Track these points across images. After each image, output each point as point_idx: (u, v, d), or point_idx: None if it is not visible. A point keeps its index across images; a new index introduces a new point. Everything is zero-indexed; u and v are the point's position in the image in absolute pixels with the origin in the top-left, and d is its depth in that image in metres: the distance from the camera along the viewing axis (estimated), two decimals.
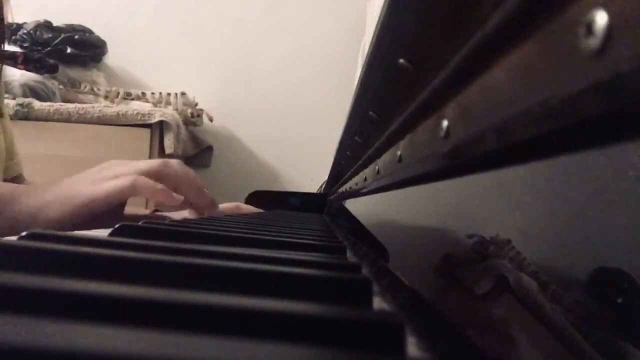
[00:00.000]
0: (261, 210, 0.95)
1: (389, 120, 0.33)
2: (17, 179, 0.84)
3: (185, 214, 0.70)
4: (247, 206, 0.93)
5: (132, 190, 0.57)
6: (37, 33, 1.95)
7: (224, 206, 0.87)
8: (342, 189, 0.83)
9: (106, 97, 1.96)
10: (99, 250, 0.19)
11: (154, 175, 0.60)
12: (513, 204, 0.20)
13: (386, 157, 0.37)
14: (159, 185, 0.57)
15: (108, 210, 0.58)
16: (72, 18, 2.06)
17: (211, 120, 2.09)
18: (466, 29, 0.17)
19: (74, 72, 1.99)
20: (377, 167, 0.42)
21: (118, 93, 1.97)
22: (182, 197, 0.61)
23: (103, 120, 1.70)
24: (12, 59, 1.83)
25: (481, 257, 0.21)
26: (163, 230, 0.31)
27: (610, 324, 0.13)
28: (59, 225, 0.57)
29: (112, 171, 0.60)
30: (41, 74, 1.85)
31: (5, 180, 0.80)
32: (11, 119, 1.59)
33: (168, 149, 1.75)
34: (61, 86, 1.93)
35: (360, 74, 0.39)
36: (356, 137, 0.53)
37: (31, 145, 1.58)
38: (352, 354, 0.12)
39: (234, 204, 0.90)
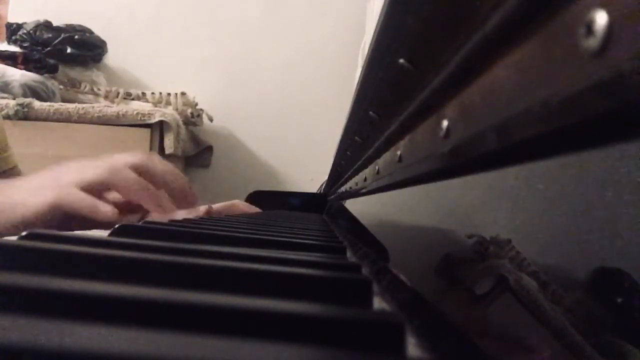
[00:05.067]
0: (258, 210, 0.95)
1: (389, 120, 0.33)
2: (12, 170, 0.84)
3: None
4: (244, 204, 0.91)
5: (57, 206, 0.53)
6: (37, 33, 1.95)
7: (218, 206, 0.85)
8: (342, 189, 0.83)
9: (106, 97, 1.96)
10: (99, 250, 0.19)
11: (100, 185, 0.55)
12: (513, 204, 0.20)
13: (386, 157, 0.37)
14: (87, 200, 0.53)
15: (52, 220, 0.54)
16: (72, 18, 2.06)
17: (211, 120, 2.09)
18: (466, 29, 0.17)
19: (74, 72, 1.99)
20: (377, 167, 0.42)
21: (118, 93, 1.97)
22: (110, 211, 0.55)
23: (103, 120, 1.70)
24: (12, 59, 1.84)
25: (481, 257, 0.21)
26: (163, 230, 0.31)
27: (610, 324, 0.13)
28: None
29: (65, 178, 0.56)
30: (41, 74, 1.85)
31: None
32: (11, 119, 1.60)
33: (168, 149, 1.75)
34: (61, 86, 1.93)
35: (360, 74, 0.39)
36: (356, 137, 0.53)
37: (31, 145, 1.59)
38: (352, 354, 0.12)
39: (229, 202, 0.88)
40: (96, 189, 0.56)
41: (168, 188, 0.60)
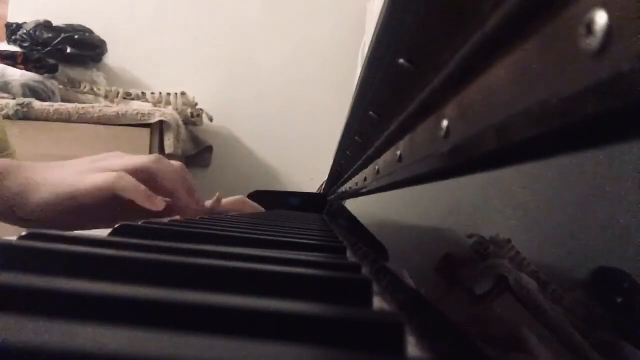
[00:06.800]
0: (263, 209, 0.96)
1: (389, 120, 0.33)
2: None
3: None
4: (252, 203, 0.93)
5: (112, 188, 0.55)
6: (37, 33, 1.95)
7: (228, 200, 0.87)
8: (342, 189, 0.83)
9: (106, 97, 1.96)
10: (99, 250, 0.19)
11: (144, 172, 0.58)
12: (513, 204, 0.20)
13: (386, 157, 0.37)
14: (141, 187, 0.56)
15: (98, 205, 0.57)
16: (72, 18, 2.06)
17: (211, 120, 2.09)
18: (466, 29, 0.17)
19: (74, 72, 1.99)
20: (377, 167, 0.42)
21: (118, 93, 1.97)
22: (163, 203, 0.59)
23: (103, 120, 1.70)
24: (12, 59, 1.83)
25: (481, 257, 0.21)
26: (163, 230, 0.31)
27: (610, 324, 0.13)
28: (42, 213, 0.56)
29: (104, 164, 0.59)
30: (41, 74, 1.85)
31: None
32: (11, 119, 1.60)
33: (168, 149, 1.75)
34: (61, 86, 1.93)
35: (360, 74, 0.39)
36: (356, 137, 0.53)
37: (31, 145, 1.58)
38: (352, 354, 0.12)
39: (239, 198, 0.90)
40: (137, 174, 0.58)
41: (190, 188, 0.64)
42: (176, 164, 0.63)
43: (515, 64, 0.15)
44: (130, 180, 0.56)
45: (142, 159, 0.60)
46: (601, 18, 0.10)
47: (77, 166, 0.60)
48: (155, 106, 1.91)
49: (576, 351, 0.14)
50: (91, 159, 0.62)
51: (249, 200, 0.92)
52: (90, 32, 2.06)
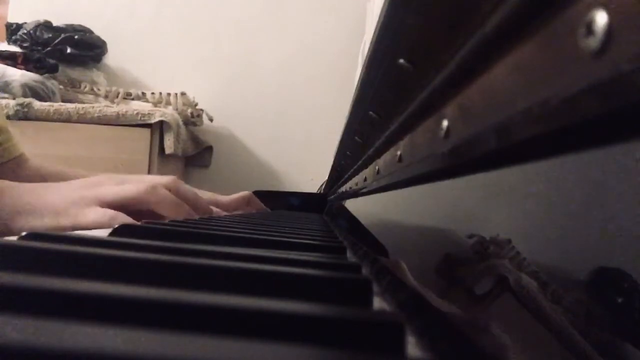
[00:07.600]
0: (267, 209, 0.98)
1: (389, 120, 0.33)
2: (20, 158, 0.85)
3: None
4: (257, 201, 0.94)
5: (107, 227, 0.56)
6: (37, 33, 1.95)
7: (233, 197, 0.88)
8: (342, 189, 0.83)
9: (106, 97, 1.96)
10: (99, 250, 0.19)
11: (138, 203, 0.58)
12: (513, 204, 0.20)
13: (386, 157, 0.37)
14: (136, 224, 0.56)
15: None
16: (72, 18, 2.06)
17: (211, 120, 2.09)
18: (466, 29, 0.17)
19: (74, 72, 1.99)
20: (377, 167, 0.42)
21: (118, 93, 1.97)
22: None
23: (103, 120, 1.70)
24: (12, 59, 1.84)
25: (481, 257, 0.21)
26: (163, 230, 0.31)
27: (610, 324, 0.13)
28: None
29: (98, 192, 0.58)
30: (41, 74, 1.85)
31: (5, 163, 0.81)
32: (11, 119, 1.60)
33: (168, 149, 1.75)
34: (61, 86, 1.93)
35: (360, 74, 0.39)
36: (356, 137, 0.53)
37: (31, 145, 1.58)
38: (352, 354, 0.12)
39: (246, 194, 0.90)
40: (133, 205, 0.58)
41: (194, 207, 0.64)
42: (169, 179, 0.63)
43: (515, 64, 0.15)
44: (125, 219, 0.56)
45: (138, 190, 0.59)
46: (601, 18, 0.10)
47: (71, 191, 0.58)
48: (155, 106, 1.91)
49: (576, 351, 0.14)
50: (84, 183, 0.61)
51: (255, 198, 0.93)
52: (90, 32, 2.06)
